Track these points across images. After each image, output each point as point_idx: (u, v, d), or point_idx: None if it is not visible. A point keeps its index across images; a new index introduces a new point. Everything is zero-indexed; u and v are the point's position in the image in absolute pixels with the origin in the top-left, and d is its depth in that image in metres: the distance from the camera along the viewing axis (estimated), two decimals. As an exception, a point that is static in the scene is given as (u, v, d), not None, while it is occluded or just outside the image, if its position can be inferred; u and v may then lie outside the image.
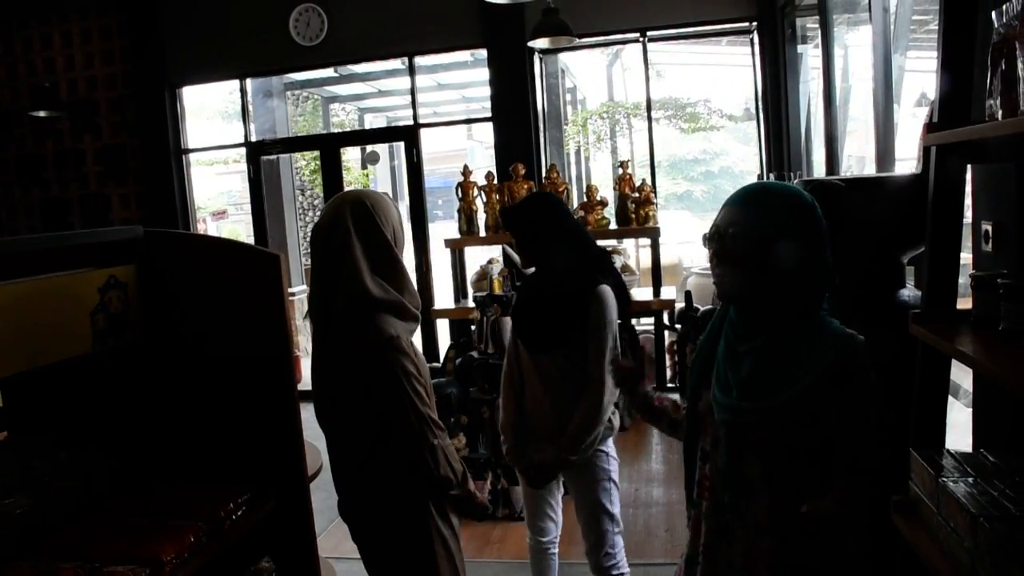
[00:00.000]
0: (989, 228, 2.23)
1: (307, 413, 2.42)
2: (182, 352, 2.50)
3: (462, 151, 14.46)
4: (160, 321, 2.48)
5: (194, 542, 2.07)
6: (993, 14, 1.55)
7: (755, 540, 1.67)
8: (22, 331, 2.03)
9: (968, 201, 2.42)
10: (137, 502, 2.28)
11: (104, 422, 2.51)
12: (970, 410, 2.25)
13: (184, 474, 2.45)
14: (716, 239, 1.65)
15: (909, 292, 2.43)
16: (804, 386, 1.58)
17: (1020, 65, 1.42)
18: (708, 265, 1.70)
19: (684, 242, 14.52)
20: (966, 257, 2.27)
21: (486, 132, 7.40)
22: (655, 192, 6.04)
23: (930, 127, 1.80)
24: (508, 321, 3.28)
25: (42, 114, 7.53)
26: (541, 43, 5.86)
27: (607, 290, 2.69)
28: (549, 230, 2.72)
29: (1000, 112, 1.53)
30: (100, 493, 2.35)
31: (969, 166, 2.30)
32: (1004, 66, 1.51)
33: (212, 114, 12.63)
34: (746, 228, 1.59)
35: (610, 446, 2.85)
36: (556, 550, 3.06)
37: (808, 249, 1.58)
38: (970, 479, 1.65)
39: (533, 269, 2.93)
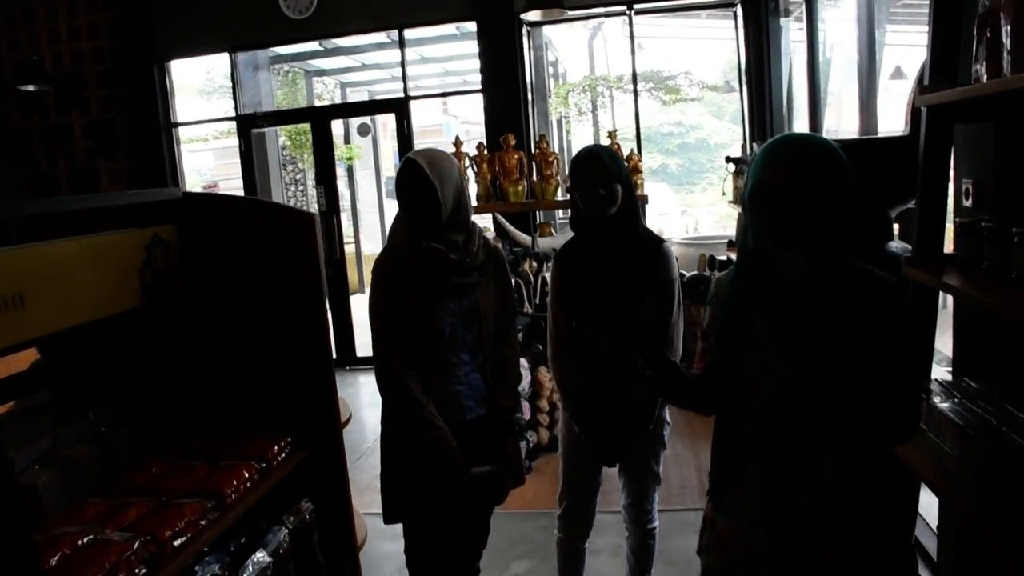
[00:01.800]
0: (970, 186, 2.44)
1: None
2: (221, 308, 2.65)
3: (438, 126, 14.51)
4: (200, 279, 2.63)
5: (248, 478, 2.25)
6: (981, -14, 1.74)
7: (827, 489, 1.66)
8: (79, 285, 2.16)
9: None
10: (189, 447, 2.45)
11: (151, 376, 2.67)
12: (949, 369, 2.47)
13: (225, 423, 2.61)
14: (769, 198, 1.58)
15: (897, 244, 2.64)
16: (877, 333, 1.59)
17: (1004, 33, 1.62)
18: (688, 236, 1.76)
19: (663, 214, 14.76)
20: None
21: (461, 107, 7.53)
22: (641, 162, 6.23)
23: (922, 90, 1.99)
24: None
25: (30, 88, 7.53)
26: (531, 15, 6.00)
27: (669, 247, 2.65)
28: (629, 189, 2.58)
29: (985, 76, 1.73)
30: (151, 441, 2.52)
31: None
32: (989, 34, 1.70)
33: (190, 93, 12.59)
34: (801, 184, 1.54)
35: (666, 410, 2.78)
36: (588, 546, 2.92)
37: (854, 198, 1.58)
38: (955, 400, 1.87)
39: (547, 239, 2.95)
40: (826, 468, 1.67)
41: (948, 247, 2.18)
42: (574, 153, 11.58)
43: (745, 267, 1.72)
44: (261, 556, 2.37)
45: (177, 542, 1.92)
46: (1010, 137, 2.15)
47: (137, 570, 1.78)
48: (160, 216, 2.57)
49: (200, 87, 13.15)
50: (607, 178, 2.53)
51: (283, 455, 2.45)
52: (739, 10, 6.72)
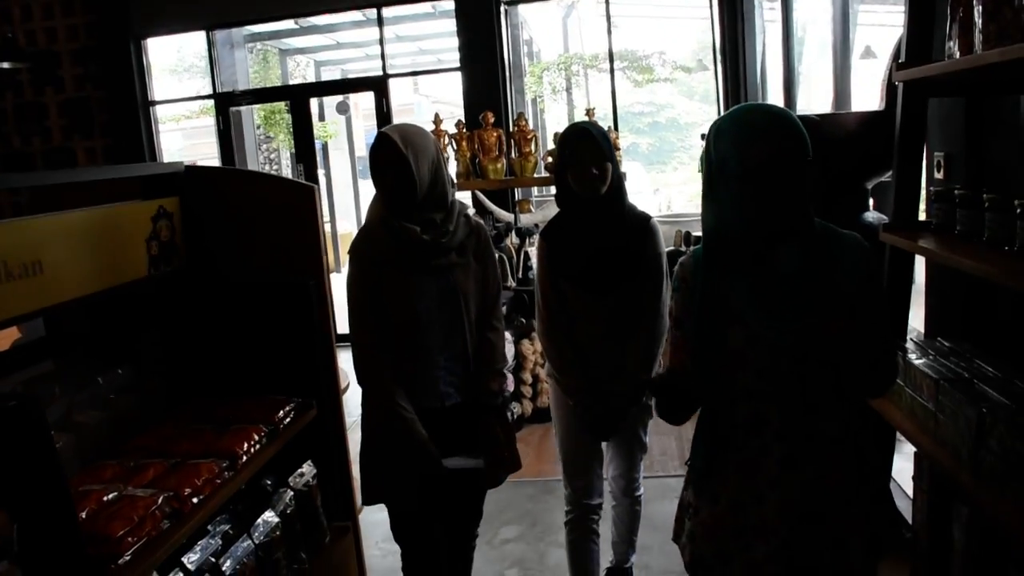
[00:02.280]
0: (941, 158, 2.58)
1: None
2: (223, 277, 2.73)
3: (410, 106, 14.50)
4: (202, 249, 2.70)
5: (257, 440, 2.34)
6: (954, -32, 1.86)
7: (830, 454, 1.67)
8: (92, 254, 2.23)
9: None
10: (196, 413, 2.53)
11: (155, 345, 2.73)
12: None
13: (229, 389, 2.69)
14: (764, 172, 1.57)
15: (872, 215, 2.78)
16: (853, 289, 1.62)
17: (976, 12, 1.74)
18: (662, 214, 1.76)
19: (637, 192, 14.88)
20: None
21: (434, 86, 7.57)
22: (619, 140, 6.33)
23: (899, 66, 2.12)
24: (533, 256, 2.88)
25: (4, 66, 7.44)
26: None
27: (656, 223, 2.65)
28: (616, 167, 2.57)
29: (958, 53, 1.85)
30: (158, 408, 2.60)
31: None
32: (962, 14, 1.82)
33: (161, 72, 12.45)
34: (790, 155, 1.56)
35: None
36: (599, 527, 2.80)
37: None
38: (930, 356, 2.01)
39: (528, 215, 2.90)
40: (825, 433, 1.67)
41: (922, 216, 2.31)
42: (550, 132, 11.55)
43: (714, 249, 1.70)
44: (270, 516, 2.47)
45: (196, 499, 2.01)
46: (979, 111, 2.28)
47: (162, 524, 1.87)
48: (160, 190, 2.63)
49: (171, 66, 13.02)
50: (600, 156, 2.49)
51: (288, 419, 2.53)
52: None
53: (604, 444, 2.80)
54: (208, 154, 8.30)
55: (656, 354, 2.60)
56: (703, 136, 6.02)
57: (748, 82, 6.33)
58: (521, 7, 8.59)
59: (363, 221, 2.52)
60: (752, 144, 1.57)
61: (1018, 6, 1.58)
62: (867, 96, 5.53)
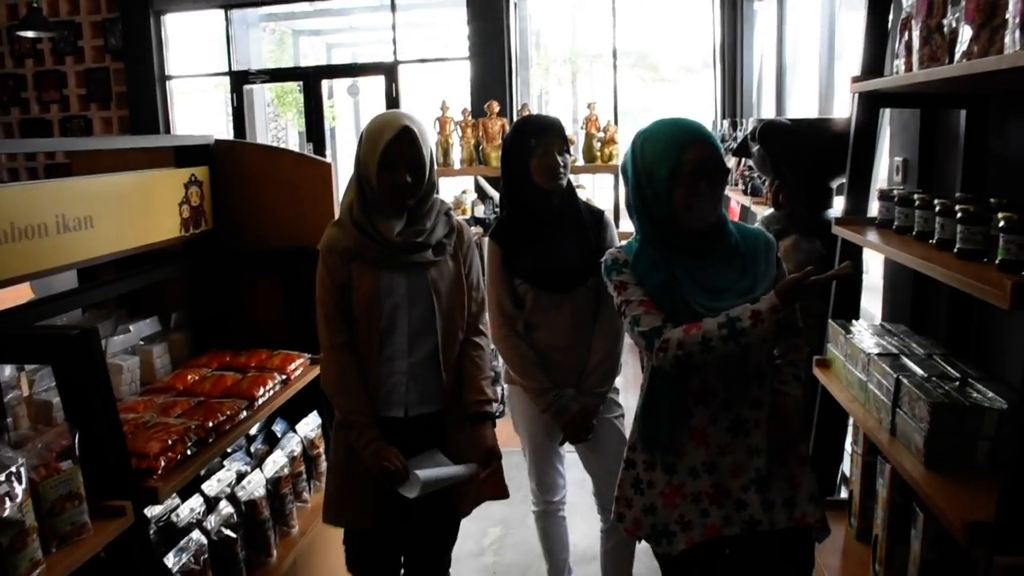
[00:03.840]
0: (899, 163, 2.85)
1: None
2: (244, 241, 3.01)
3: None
4: (226, 215, 2.98)
5: (272, 386, 2.62)
6: (903, -3, 2.13)
7: (775, 410, 1.90)
8: (134, 214, 2.51)
9: (887, 144, 3.05)
10: (218, 360, 2.80)
11: (181, 300, 3.02)
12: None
13: (246, 342, 2.97)
14: (718, 170, 1.83)
15: (834, 212, 3.04)
16: (772, 267, 1.90)
17: (915, 36, 2.00)
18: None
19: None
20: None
21: (419, 76, 7.86)
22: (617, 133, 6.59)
23: (854, 79, 2.39)
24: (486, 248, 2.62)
25: (29, 35, 7.68)
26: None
27: (610, 217, 2.64)
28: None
29: (903, 69, 2.11)
30: (183, 355, 2.88)
31: (889, 114, 2.96)
32: (907, 36, 2.09)
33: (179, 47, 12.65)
34: (720, 155, 1.84)
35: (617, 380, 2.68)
36: (565, 512, 2.82)
37: None
38: (868, 335, 2.29)
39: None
40: (767, 401, 1.89)
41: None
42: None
43: (650, 237, 1.89)
44: (278, 456, 2.75)
45: (220, 431, 2.29)
46: (930, 122, 2.56)
47: (188, 451, 2.14)
48: (190, 160, 2.89)
49: (189, 42, 13.25)
50: (566, 146, 2.47)
51: (299, 371, 2.81)
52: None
53: (586, 455, 2.67)
54: (218, 130, 8.53)
55: (619, 348, 2.56)
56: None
57: (744, 82, 6.59)
58: (530, 1, 8.85)
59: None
60: (685, 150, 1.81)
61: (947, 33, 1.85)
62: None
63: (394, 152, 2.05)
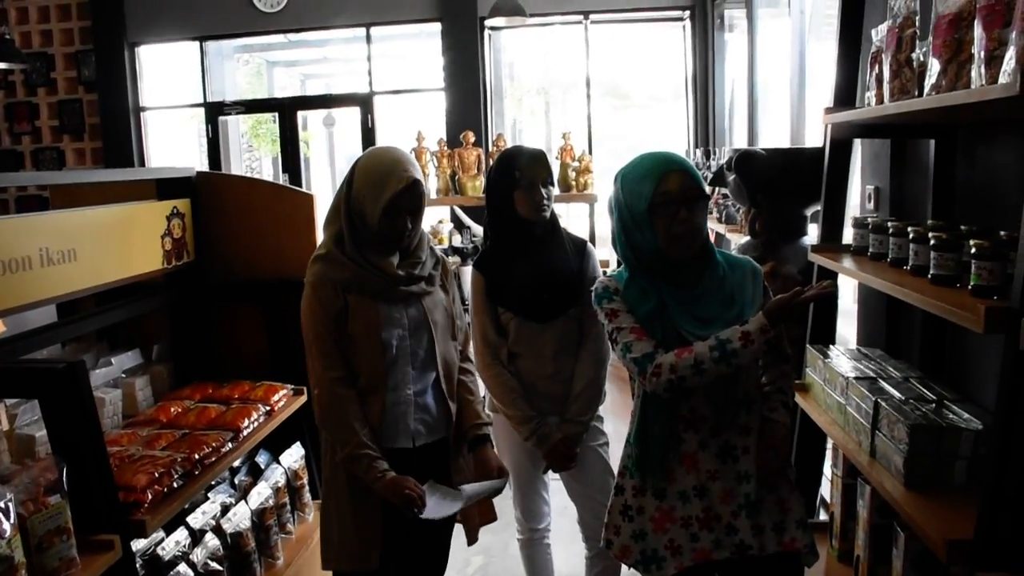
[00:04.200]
0: (871, 191, 2.93)
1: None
2: (226, 273, 3.01)
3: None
4: (208, 247, 2.98)
5: (256, 417, 2.62)
6: (872, 32, 2.21)
7: (763, 437, 1.92)
8: (117, 247, 2.52)
9: (859, 172, 3.14)
10: (201, 392, 2.80)
11: (161, 332, 3.01)
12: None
13: (229, 374, 2.97)
14: (697, 198, 1.87)
15: (810, 239, 3.11)
16: (759, 294, 1.94)
17: (886, 70, 2.08)
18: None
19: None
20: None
21: (395, 107, 7.98)
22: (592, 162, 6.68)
23: (827, 110, 2.47)
24: (468, 277, 2.64)
25: (2, 66, 7.62)
26: (495, 21, 6.41)
27: (592, 247, 2.66)
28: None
29: (874, 102, 2.19)
30: (165, 387, 2.87)
31: (860, 144, 3.04)
32: (877, 70, 2.16)
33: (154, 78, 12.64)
34: (698, 182, 1.88)
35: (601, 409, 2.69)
36: (550, 540, 2.80)
37: None
38: (846, 359, 2.35)
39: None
40: (756, 428, 1.92)
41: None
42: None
43: (639, 270, 1.92)
44: (263, 488, 2.74)
45: (205, 463, 2.28)
46: (900, 151, 2.64)
47: (175, 483, 2.13)
48: (171, 192, 2.90)
49: (163, 73, 13.25)
50: (551, 178, 2.50)
51: (282, 402, 2.81)
52: (687, 24, 7.25)
53: (570, 483, 2.67)
54: (191, 160, 8.51)
55: (604, 378, 2.59)
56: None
57: (716, 111, 6.72)
58: (504, 33, 8.98)
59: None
60: (661, 182, 1.85)
61: (916, 67, 1.92)
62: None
63: (400, 202, 2.06)
